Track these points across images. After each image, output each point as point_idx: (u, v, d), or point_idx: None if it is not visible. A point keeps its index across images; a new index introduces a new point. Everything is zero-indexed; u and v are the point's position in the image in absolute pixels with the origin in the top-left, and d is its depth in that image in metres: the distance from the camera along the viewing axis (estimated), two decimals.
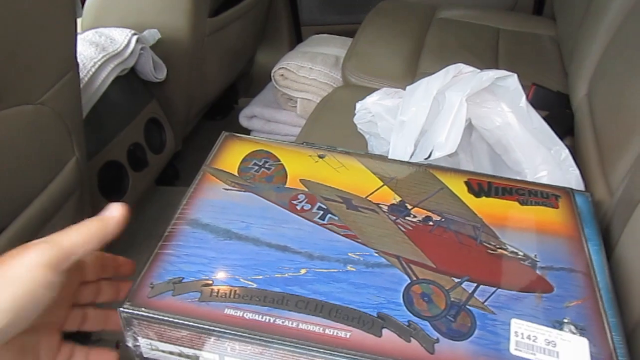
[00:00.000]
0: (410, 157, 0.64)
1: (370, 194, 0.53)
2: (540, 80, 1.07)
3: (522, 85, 1.03)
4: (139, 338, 0.43)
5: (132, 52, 1.03)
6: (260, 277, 0.44)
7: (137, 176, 1.09)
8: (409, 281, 0.45)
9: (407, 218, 0.51)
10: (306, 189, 0.53)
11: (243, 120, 1.48)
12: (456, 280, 0.45)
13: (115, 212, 0.39)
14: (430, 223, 0.51)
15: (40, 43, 0.61)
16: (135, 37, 1.03)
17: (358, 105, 0.82)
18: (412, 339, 0.41)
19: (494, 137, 0.74)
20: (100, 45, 1.00)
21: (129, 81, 1.08)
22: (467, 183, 0.57)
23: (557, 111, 0.99)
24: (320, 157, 0.58)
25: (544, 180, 0.70)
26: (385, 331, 0.41)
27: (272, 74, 1.39)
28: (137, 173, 1.09)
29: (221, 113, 1.68)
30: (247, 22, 1.37)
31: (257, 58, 1.72)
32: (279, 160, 0.57)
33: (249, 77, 1.74)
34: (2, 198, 0.62)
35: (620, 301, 0.55)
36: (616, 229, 0.59)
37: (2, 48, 0.56)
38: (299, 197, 0.52)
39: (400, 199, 0.53)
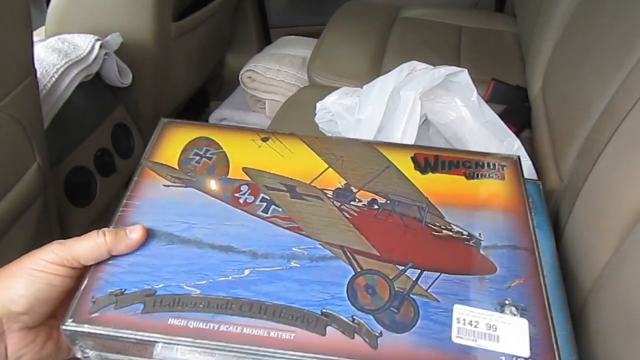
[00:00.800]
0: None
1: (315, 179, 0.53)
2: (501, 76, 1.10)
3: (482, 81, 1.07)
4: (87, 350, 0.43)
5: (95, 58, 1.03)
6: (204, 282, 0.43)
7: (106, 181, 1.09)
8: (353, 273, 0.45)
9: (352, 203, 0.51)
10: (249, 179, 0.52)
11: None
12: (400, 267, 0.46)
13: (133, 234, 0.44)
14: (376, 207, 0.51)
15: None
16: (98, 43, 1.03)
17: (318, 105, 0.84)
18: (356, 335, 0.41)
19: (449, 130, 0.76)
20: (63, 52, 1.00)
21: (94, 87, 1.08)
22: (413, 159, 0.56)
23: (516, 105, 1.02)
24: (264, 140, 0.56)
25: None
26: (329, 329, 0.41)
27: (239, 76, 1.40)
28: (105, 178, 1.09)
29: (192, 116, 1.69)
30: (213, 25, 1.38)
31: (226, 61, 1.73)
32: (221, 148, 0.55)
33: (218, 80, 1.74)
34: None
35: (567, 284, 0.58)
36: (563, 215, 0.62)
37: None
38: (241, 188, 0.51)
39: (345, 182, 0.53)
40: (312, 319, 0.42)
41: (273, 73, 1.36)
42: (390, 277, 0.45)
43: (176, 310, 0.42)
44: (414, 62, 0.75)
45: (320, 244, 0.47)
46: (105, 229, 0.44)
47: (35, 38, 1.12)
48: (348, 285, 0.44)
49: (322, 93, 0.88)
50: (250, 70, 1.38)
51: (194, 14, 1.26)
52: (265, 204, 0.50)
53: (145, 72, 1.17)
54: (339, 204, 0.51)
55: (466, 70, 0.71)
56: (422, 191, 0.53)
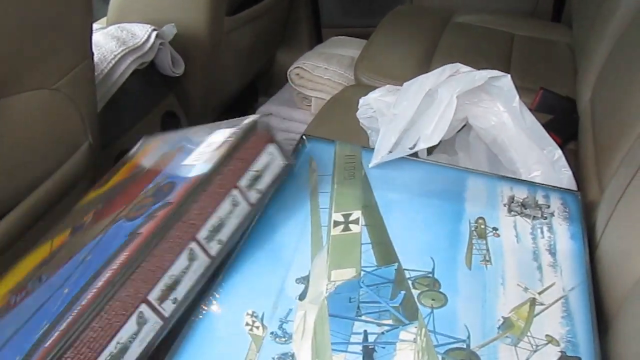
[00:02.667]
0: (393, 146, 0.67)
1: None
2: (552, 85, 1.08)
3: (531, 89, 1.05)
4: None
5: (151, 47, 1.07)
6: None
7: None
8: None
9: None
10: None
11: None
12: None
13: None
14: None
15: (56, 32, 0.65)
16: (154, 32, 1.08)
17: (361, 101, 0.85)
18: None
19: (489, 136, 0.75)
20: (121, 40, 1.04)
21: (148, 75, 1.13)
22: None
23: (563, 115, 1.00)
24: None
25: (538, 180, 0.72)
26: None
27: (288, 73, 1.42)
28: None
29: (241, 110, 1.73)
30: (265, 22, 1.41)
31: (277, 58, 1.76)
32: None
33: (268, 77, 1.77)
34: (16, 176, 0.67)
35: (601, 294, 0.57)
36: (600, 226, 0.61)
37: (22, 35, 0.60)
38: None
39: None
40: None
41: (321, 71, 1.37)
42: None
43: None
44: (458, 65, 0.74)
45: None
46: None
47: (96, 26, 1.19)
48: None
49: (367, 92, 0.89)
50: (298, 67, 1.40)
51: (248, 10, 1.30)
52: None
53: (197, 63, 1.21)
54: None
55: (509, 76, 0.70)
56: None
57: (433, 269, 0.58)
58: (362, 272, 0.57)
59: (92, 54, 0.75)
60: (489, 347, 0.51)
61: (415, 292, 0.55)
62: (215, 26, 1.18)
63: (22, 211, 0.67)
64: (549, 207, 0.66)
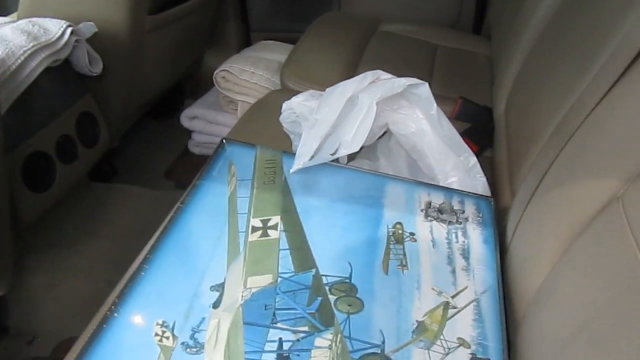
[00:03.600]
0: (315, 152, 0.66)
1: None
2: (471, 95, 1.11)
3: (452, 98, 1.08)
4: None
5: (65, 44, 1.02)
6: None
7: (66, 169, 1.07)
8: None
9: None
10: None
11: (185, 121, 1.48)
12: None
13: None
14: None
15: None
16: (69, 29, 1.02)
17: (284, 105, 0.84)
18: None
19: (409, 142, 0.77)
20: (32, 35, 0.98)
21: (62, 73, 1.07)
22: None
23: (481, 124, 1.04)
24: None
25: (454, 186, 0.74)
26: None
27: (214, 76, 1.39)
28: (65, 165, 1.07)
29: (166, 113, 1.68)
30: (191, 22, 1.38)
31: (204, 60, 1.72)
32: None
33: (195, 79, 1.74)
34: None
35: (509, 299, 0.59)
36: (510, 231, 0.63)
37: None
38: None
39: None
40: None
41: (247, 75, 1.36)
42: None
43: None
44: (379, 71, 0.75)
45: None
46: None
47: (6, 19, 1.12)
48: None
49: (292, 97, 0.88)
50: (225, 70, 1.38)
51: (172, 9, 1.26)
52: None
53: (116, 62, 1.16)
54: None
55: (427, 84, 0.72)
56: None
57: (350, 274, 0.58)
58: (279, 279, 0.56)
59: None
60: (402, 351, 0.51)
61: (332, 298, 0.55)
62: (136, 25, 1.14)
63: None
64: (463, 212, 0.67)
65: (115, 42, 1.12)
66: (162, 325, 0.51)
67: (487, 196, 0.71)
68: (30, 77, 0.96)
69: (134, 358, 0.48)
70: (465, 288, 0.58)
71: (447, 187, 0.72)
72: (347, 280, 0.57)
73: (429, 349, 0.52)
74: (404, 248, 0.62)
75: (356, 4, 1.64)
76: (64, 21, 1.03)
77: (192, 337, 0.50)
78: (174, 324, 0.51)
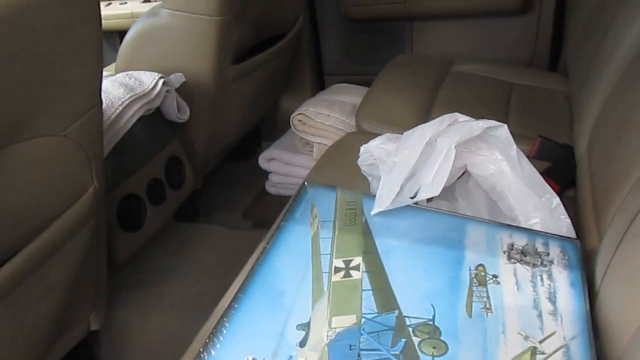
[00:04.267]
0: (396, 196, 0.68)
1: None
2: (550, 134, 1.10)
3: (529, 137, 1.07)
4: None
5: (157, 94, 1.10)
6: None
7: (155, 210, 1.15)
8: None
9: None
10: None
11: (262, 162, 1.54)
12: None
13: None
14: None
15: (67, 79, 0.68)
16: (161, 80, 1.11)
17: (362, 148, 0.86)
18: None
19: (488, 183, 0.77)
20: (129, 87, 1.08)
21: (154, 120, 1.15)
22: None
23: (561, 163, 1.02)
24: None
25: (537, 227, 0.73)
26: None
27: (291, 119, 1.45)
28: (155, 207, 1.14)
29: (244, 155, 1.75)
30: (270, 69, 1.45)
31: (281, 103, 1.80)
32: None
33: (272, 122, 1.81)
34: (21, 221, 0.68)
35: (601, 344, 0.57)
36: (599, 274, 0.61)
37: (34, 81, 0.63)
38: None
39: None
40: None
41: (323, 118, 1.40)
42: None
43: None
44: (457, 114, 0.76)
45: None
46: None
47: (105, 73, 1.22)
48: None
49: (368, 139, 0.91)
50: (301, 113, 1.43)
51: (253, 58, 1.33)
52: None
53: (202, 110, 1.24)
54: None
55: (505, 125, 0.72)
56: None
57: (434, 316, 0.58)
58: (363, 319, 0.57)
59: (101, 100, 0.77)
60: None
61: (415, 340, 0.55)
62: (221, 74, 1.21)
63: (26, 256, 0.67)
64: (548, 254, 0.66)
65: (201, 91, 1.20)
66: None
67: (572, 238, 0.70)
68: (127, 126, 1.04)
69: None
70: (554, 333, 0.56)
71: (530, 229, 0.71)
72: (431, 322, 0.57)
73: None
74: (487, 291, 0.61)
75: (428, 46, 1.67)
76: (156, 73, 1.12)
77: None
78: None
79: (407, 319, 0.57)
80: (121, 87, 1.07)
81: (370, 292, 0.61)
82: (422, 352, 0.54)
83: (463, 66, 1.46)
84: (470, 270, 0.63)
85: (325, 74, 1.84)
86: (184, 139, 1.25)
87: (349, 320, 0.57)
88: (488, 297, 0.60)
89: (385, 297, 0.60)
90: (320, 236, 0.68)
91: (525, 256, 0.66)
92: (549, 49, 1.59)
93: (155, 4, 2.11)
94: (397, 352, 0.54)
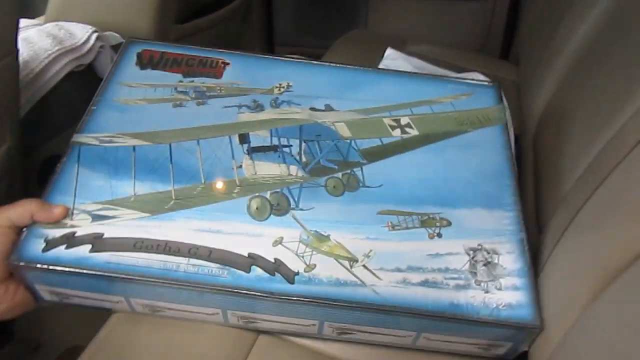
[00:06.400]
0: None
1: None
2: None
3: None
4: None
5: (90, 49, 1.02)
6: None
7: None
8: None
9: None
10: None
11: None
12: None
13: (55, 210, 0.54)
14: None
15: None
16: (95, 35, 1.02)
17: None
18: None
19: None
20: (57, 38, 0.98)
21: (85, 77, 1.06)
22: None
23: None
24: None
25: None
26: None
27: None
28: None
29: None
30: (217, 33, 1.37)
31: None
32: None
33: None
34: None
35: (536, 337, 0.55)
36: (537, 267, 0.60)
37: None
38: None
39: None
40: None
41: None
42: None
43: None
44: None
45: None
46: (34, 200, 0.54)
47: (33, 21, 1.12)
48: None
49: None
50: None
51: (199, 19, 1.26)
52: None
53: None
54: None
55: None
56: None
57: None
58: None
59: (17, 50, 0.69)
60: None
61: None
62: (162, 34, 1.13)
63: None
64: None
65: None
66: None
67: None
68: (53, 81, 0.96)
69: None
70: None
71: None
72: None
73: None
74: None
75: (382, 23, 1.63)
76: (90, 26, 1.03)
77: None
78: None
79: None
80: (49, 37, 0.97)
81: None
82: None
83: (415, 47, 1.43)
84: None
85: (275, 44, 1.77)
86: None
87: None
88: None
89: None
90: None
91: None
92: (502, 36, 1.58)
93: None
94: None
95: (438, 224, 0.59)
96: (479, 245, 0.58)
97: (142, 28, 1.10)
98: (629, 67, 0.61)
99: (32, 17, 1.26)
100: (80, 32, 1.02)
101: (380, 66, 0.93)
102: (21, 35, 0.90)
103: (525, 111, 1.03)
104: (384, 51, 1.38)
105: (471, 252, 0.57)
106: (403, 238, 0.58)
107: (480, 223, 0.60)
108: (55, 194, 0.57)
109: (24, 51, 0.92)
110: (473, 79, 0.79)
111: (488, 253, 0.57)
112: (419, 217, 0.59)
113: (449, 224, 0.59)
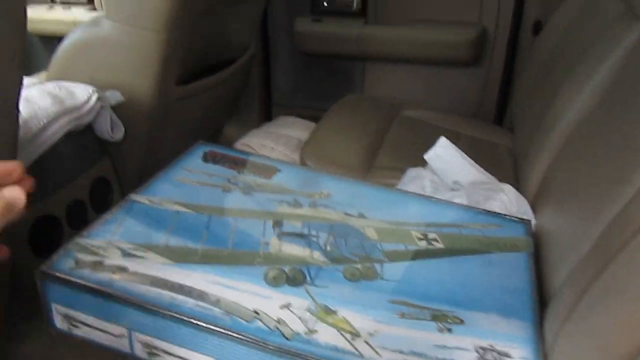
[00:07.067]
0: None
1: None
2: None
3: None
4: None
5: (90, 109, 1.02)
6: None
7: (74, 234, 1.04)
8: None
9: None
10: None
11: None
12: None
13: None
14: None
15: None
16: (96, 95, 1.03)
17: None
18: None
19: None
20: (58, 98, 0.99)
21: (83, 137, 1.06)
22: None
23: None
24: None
25: None
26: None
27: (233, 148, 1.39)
28: (73, 231, 1.04)
29: None
30: (216, 95, 1.39)
31: (224, 130, 1.73)
32: None
33: None
34: None
35: None
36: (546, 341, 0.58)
37: None
38: None
39: None
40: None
41: (267, 151, 1.35)
42: None
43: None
44: None
45: None
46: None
47: (34, 80, 1.13)
48: None
49: None
50: (245, 144, 1.37)
51: (201, 81, 1.27)
52: None
53: (139, 130, 1.16)
54: None
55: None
56: None
57: None
58: None
59: (18, 111, 0.69)
60: None
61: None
62: (163, 94, 1.14)
63: None
64: None
65: (139, 111, 1.12)
66: None
67: None
68: (50, 141, 0.95)
69: None
70: None
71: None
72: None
73: None
74: None
75: (378, 86, 1.66)
76: (90, 87, 1.04)
77: None
78: None
79: None
80: (49, 97, 0.98)
81: None
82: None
83: (411, 111, 1.45)
84: None
85: (273, 104, 1.80)
86: (116, 160, 1.16)
87: None
88: None
89: None
90: None
91: None
92: (496, 102, 1.61)
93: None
94: None
95: (450, 320, 0.58)
96: (490, 345, 0.56)
97: (144, 88, 1.10)
98: (633, 139, 0.61)
99: (34, 74, 1.27)
100: (81, 93, 1.02)
101: (431, 152, 1.01)
102: (22, 94, 0.91)
103: (522, 179, 1.03)
104: (384, 114, 1.40)
105: (481, 350, 0.55)
106: (411, 326, 0.57)
107: (495, 327, 0.58)
108: (99, 230, 0.67)
109: (24, 110, 0.92)
110: (505, 215, 0.82)
111: (499, 354, 0.55)
112: (431, 311, 0.59)
113: (461, 322, 0.58)
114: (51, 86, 1.01)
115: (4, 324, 0.87)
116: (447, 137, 1.32)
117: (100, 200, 1.12)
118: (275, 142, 1.38)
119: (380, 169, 1.13)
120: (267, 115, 1.80)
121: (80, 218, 1.06)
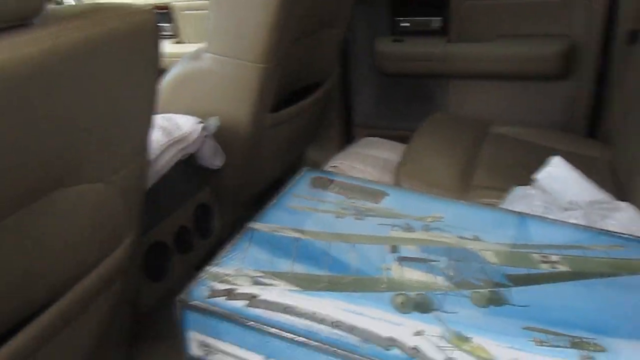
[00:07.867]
0: None
1: None
2: None
3: None
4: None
5: (196, 139, 1.07)
6: None
7: (181, 258, 1.09)
8: None
9: None
10: None
11: None
12: None
13: None
14: None
15: (120, 127, 0.64)
16: (200, 125, 1.07)
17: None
18: None
19: None
20: (167, 130, 1.04)
21: (188, 166, 1.11)
22: None
23: None
24: None
25: None
26: None
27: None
28: (181, 255, 1.09)
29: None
30: (304, 119, 1.42)
31: (307, 154, 1.76)
32: None
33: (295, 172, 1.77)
34: (58, 269, 0.62)
35: None
36: None
37: (87, 128, 0.59)
38: None
39: None
40: None
41: (357, 172, 1.36)
42: None
43: None
44: None
45: None
46: None
47: None
48: None
49: None
50: (335, 166, 1.39)
51: (289, 108, 1.30)
52: None
53: (236, 156, 1.20)
54: None
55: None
56: None
57: None
58: None
59: (148, 148, 0.73)
60: None
61: None
62: (259, 122, 1.18)
63: (63, 306, 0.62)
64: None
65: (237, 138, 1.17)
66: None
67: None
68: (163, 170, 1.00)
69: None
70: None
71: None
72: None
73: None
74: None
75: (463, 104, 1.64)
76: (195, 117, 1.09)
77: None
78: None
79: None
80: (159, 130, 1.03)
81: None
82: None
83: (501, 128, 1.42)
84: None
85: (354, 125, 1.81)
86: (216, 186, 1.21)
87: None
88: None
89: None
90: None
91: None
92: (588, 115, 1.56)
93: (187, 45, 2.12)
94: None
95: (592, 348, 0.56)
96: None
97: (242, 117, 1.15)
98: None
99: None
100: (187, 123, 1.07)
101: (544, 172, 1.00)
102: None
103: (628, 191, 0.99)
104: (473, 132, 1.38)
105: None
106: (552, 354, 0.55)
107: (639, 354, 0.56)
108: (227, 259, 0.68)
109: None
110: (627, 235, 0.78)
111: None
112: (570, 339, 0.57)
113: (603, 349, 0.56)
114: (159, 119, 1.07)
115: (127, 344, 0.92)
116: (543, 154, 1.30)
117: (203, 225, 1.17)
118: (363, 163, 1.39)
119: (481, 189, 1.11)
120: (348, 137, 1.81)
121: (187, 243, 1.11)
